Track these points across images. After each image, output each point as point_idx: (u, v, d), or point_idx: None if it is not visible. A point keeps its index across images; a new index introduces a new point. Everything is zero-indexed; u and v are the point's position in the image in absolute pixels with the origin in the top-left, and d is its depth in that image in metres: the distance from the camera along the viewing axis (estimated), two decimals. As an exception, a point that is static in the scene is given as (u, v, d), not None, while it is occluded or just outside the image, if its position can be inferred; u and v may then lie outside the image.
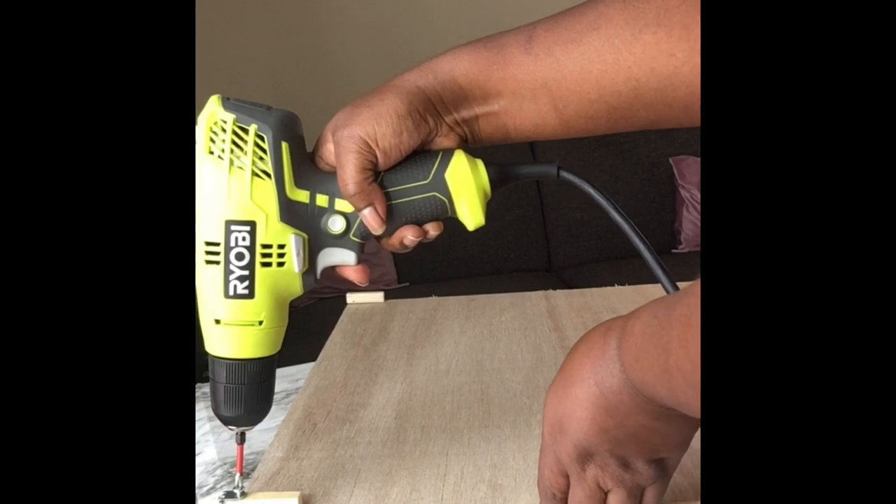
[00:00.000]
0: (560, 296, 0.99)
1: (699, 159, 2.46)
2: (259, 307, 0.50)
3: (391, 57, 2.67)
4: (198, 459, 0.68)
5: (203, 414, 0.76)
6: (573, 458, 0.46)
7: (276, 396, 0.79)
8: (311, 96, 2.55)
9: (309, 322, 2.19)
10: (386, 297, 1.01)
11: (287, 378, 0.84)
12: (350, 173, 0.49)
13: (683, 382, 0.36)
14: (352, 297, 1.01)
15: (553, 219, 2.59)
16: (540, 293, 1.00)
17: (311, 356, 0.85)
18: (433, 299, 1.00)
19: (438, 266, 2.48)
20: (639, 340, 0.41)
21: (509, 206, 2.53)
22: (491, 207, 0.52)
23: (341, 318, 0.95)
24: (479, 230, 0.52)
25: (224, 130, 0.48)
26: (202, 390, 0.82)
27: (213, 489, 0.63)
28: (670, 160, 2.61)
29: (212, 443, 0.71)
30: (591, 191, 0.52)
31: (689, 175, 2.57)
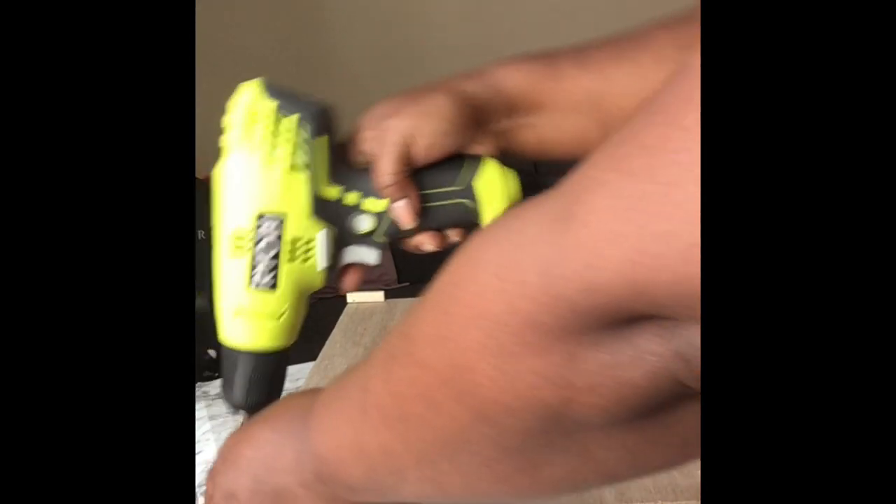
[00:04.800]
0: (560, 295, 0.98)
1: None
2: (281, 300, 0.50)
3: (392, 57, 2.67)
4: (198, 459, 0.68)
5: (203, 413, 0.76)
6: (223, 495, 0.49)
7: (276, 396, 0.80)
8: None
9: (309, 322, 2.18)
10: (386, 297, 1.01)
11: (287, 377, 0.84)
12: (388, 163, 0.49)
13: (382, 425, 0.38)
14: (352, 297, 1.01)
15: (553, 219, 2.58)
16: (540, 293, 1.00)
17: (312, 356, 0.85)
18: (433, 299, 1.00)
19: (438, 266, 2.46)
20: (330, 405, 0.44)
21: (509, 205, 2.53)
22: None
23: (341, 317, 0.96)
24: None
25: (263, 119, 0.47)
26: (202, 389, 0.82)
27: (213, 488, 0.63)
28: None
29: (212, 442, 0.71)
30: None
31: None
